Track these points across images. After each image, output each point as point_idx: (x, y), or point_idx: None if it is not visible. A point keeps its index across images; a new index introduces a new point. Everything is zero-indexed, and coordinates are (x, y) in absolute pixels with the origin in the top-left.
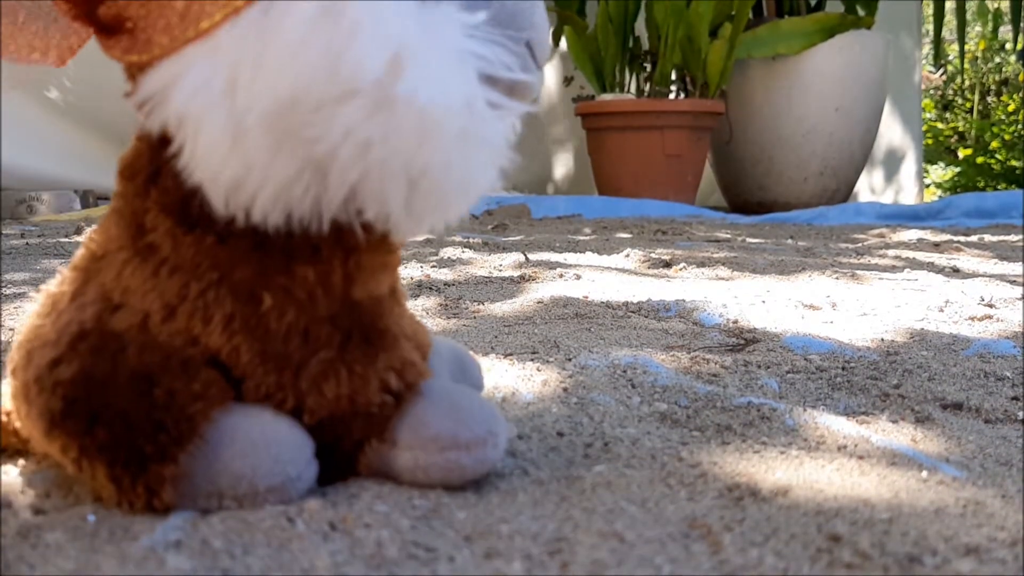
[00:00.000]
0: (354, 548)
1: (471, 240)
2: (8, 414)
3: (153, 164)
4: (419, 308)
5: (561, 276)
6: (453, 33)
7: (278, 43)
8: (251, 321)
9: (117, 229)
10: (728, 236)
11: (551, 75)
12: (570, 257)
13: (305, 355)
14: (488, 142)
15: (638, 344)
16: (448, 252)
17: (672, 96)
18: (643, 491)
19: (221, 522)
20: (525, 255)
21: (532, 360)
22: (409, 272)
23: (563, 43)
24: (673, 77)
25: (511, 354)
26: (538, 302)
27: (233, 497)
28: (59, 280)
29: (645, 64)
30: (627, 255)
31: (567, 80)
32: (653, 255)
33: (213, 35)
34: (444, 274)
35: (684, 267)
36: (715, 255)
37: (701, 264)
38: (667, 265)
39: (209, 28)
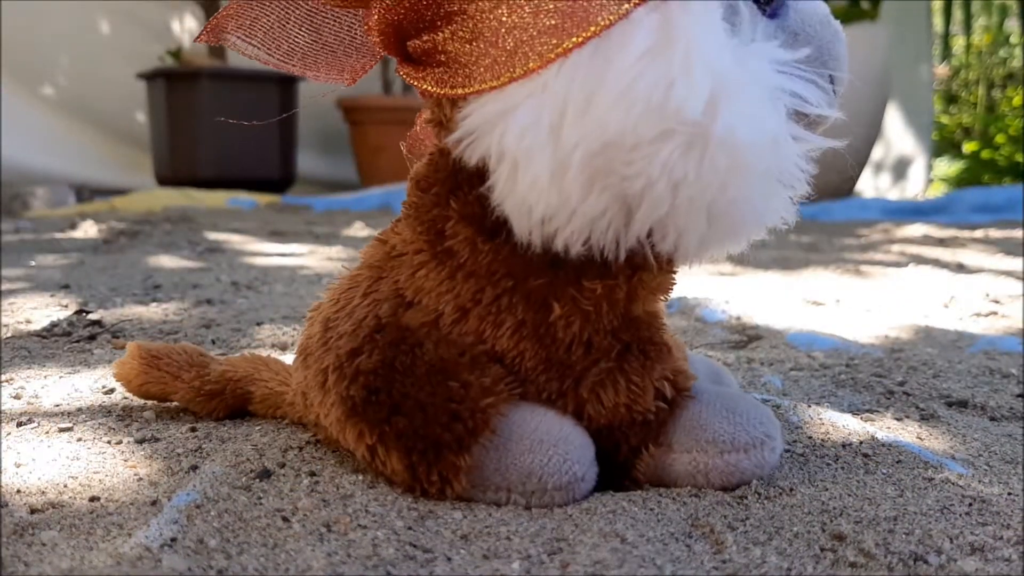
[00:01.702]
0: (350, 549)
1: None
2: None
3: (453, 178)
4: None
5: None
6: (768, 70)
7: (608, 82)
8: (540, 328)
9: (413, 233)
10: None
11: None
12: None
13: (587, 365)
14: (788, 177)
15: None
16: None
17: None
18: (644, 490)
19: (217, 520)
20: None
21: None
22: None
23: None
24: None
25: None
26: None
27: (521, 493)
28: (348, 276)
29: None
30: None
31: None
32: None
33: (540, 74)
34: None
35: None
36: None
37: None
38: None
39: (537, 68)
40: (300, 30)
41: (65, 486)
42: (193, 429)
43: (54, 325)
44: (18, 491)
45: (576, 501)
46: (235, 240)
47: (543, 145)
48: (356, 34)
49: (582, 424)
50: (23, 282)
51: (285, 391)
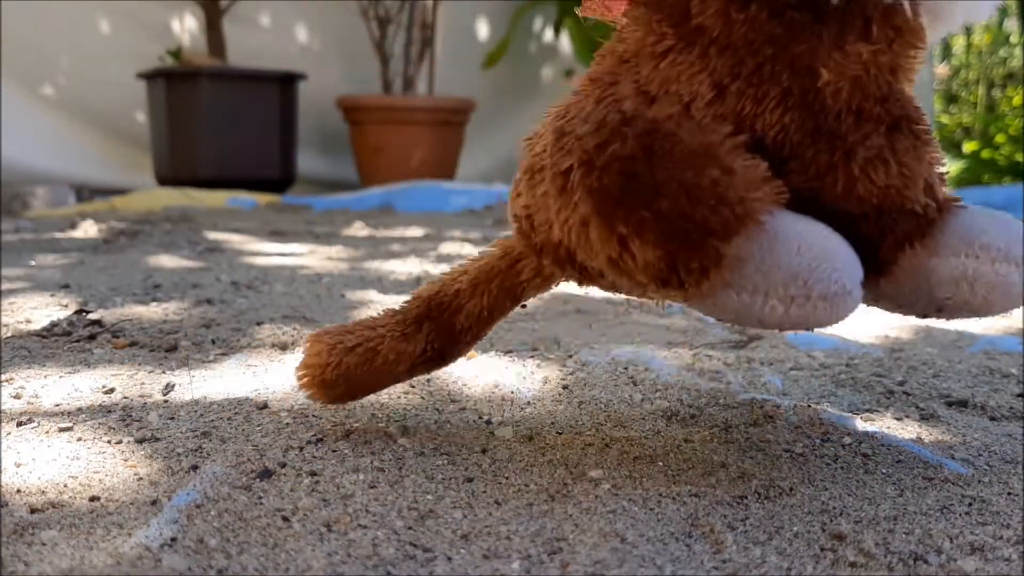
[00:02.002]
0: (350, 548)
1: (471, 235)
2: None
3: None
4: None
5: None
6: None
7: None
8: (808, 96)
9: (648, 28)
10: None
11: (551, 68)
12: None
13: (858, 137)
14: None
15: (640, 340)
16: (447, 247)
17: None
18: (644, 490)
19: (217, 519)
20: None
21: (532, 357)
22: (408, 267)
23: (564, 35)
24: None
25: (511, 351)
26: (538, 298)
27: (780, 298)
28: (570, 96)
29: None
30: None
31: (568, 73)
32: None
33: None
34: (443, 269)
35: None
36: None
37: None
38: None
39: None
40: None
41: (65, 486)
42: (193, 429)
43: (54, 325)
44: (18, 491)
45: (839, 319)
46: (235, 240)
47: None
48: None
49: (851, 204)
50: (23, 282)
51: (490, 257)
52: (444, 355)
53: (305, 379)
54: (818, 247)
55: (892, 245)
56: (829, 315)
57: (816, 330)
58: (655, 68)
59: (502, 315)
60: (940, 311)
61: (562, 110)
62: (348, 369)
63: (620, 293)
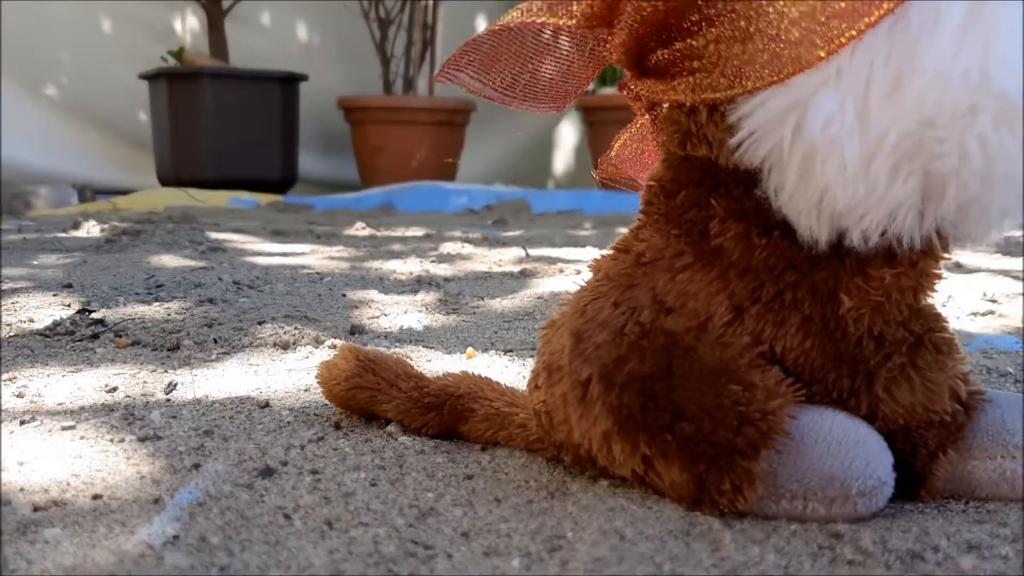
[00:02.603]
0: (351, 546)
1: (471, 235)
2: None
3: (711, 178)
4: (419, 303)
5: (561, 271)
6: None
7: (922, 59)
8: (829, 323)
9: (665, 238)
10: None
11: None
12: (570, 252)
13: (879, 360)
14: None
15: None
16: (448, 247)
17: None
18: (643, 488)
19: (219, 517)
20: (525, 250)
21: (532, 356)
22: (408, 267)
23: None
24: None
25: (511, 350)
26: (538, 297)
27: (820, 500)
28: (586, 289)
29: None
30: None
31: None
32: None
33: (830, 61)
34: (444, 269)
35: None
36: None
37: None
38: None
39: (829, 55)
40: (525, 65)
41: (68, 484)
42: (195, 427)
43: (57, 324)
44: (21, 489)
45: (878, 509)
46: (237, 239)
47: (851, 132)
48: (574, 62)
49: (878, 425)
50: (26, 281)
51: (514, 412)
52: (435, 432)
53: (320, 379)
54: (847, 443)
55: (925, 458)
56: (869, 508)
57: None
58: (672, 280)
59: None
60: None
61: (580, 307)
62: (353, 397)
63: None
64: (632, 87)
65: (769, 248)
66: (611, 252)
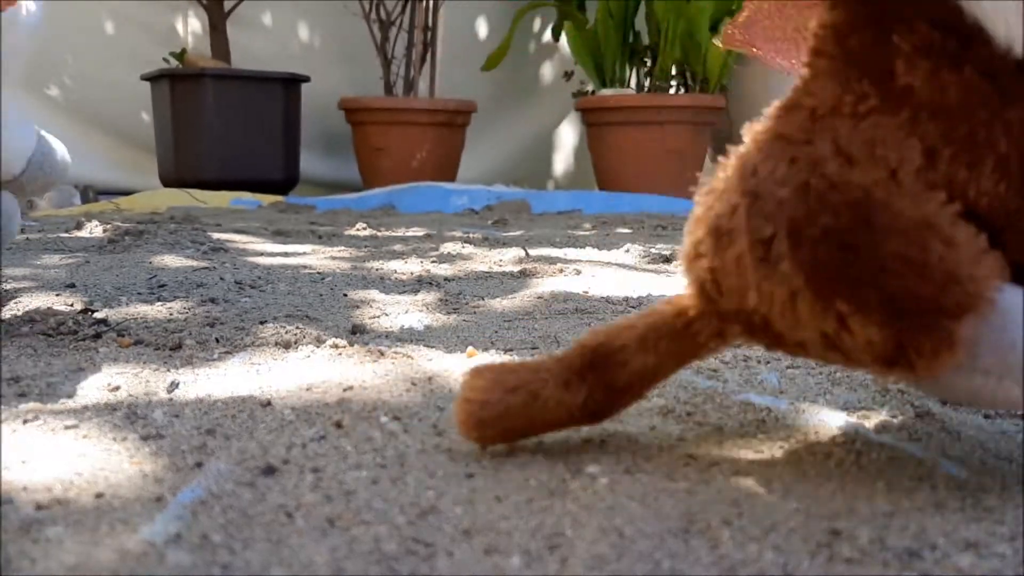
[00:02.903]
0: (352, 544)
1: (471, 235)
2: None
3: (890, 15)
4: (420, 303)
5: (561, 271)
6: None
7: None
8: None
9: (842, 86)
10: None
11: (551, 69)
12: (570, 252)
13: None
14: None
15: None
16: (448, 247)
17: (672, 91)
18: (642, 486)
19: (221, 516)
20: (525, 250)
21: (532, 355)
22: (409, 267)
23: (563, 38)
24: (673, 72)
25: (511, 349)
26: (538, 297)
27: (1017, 379)
28: (750, 151)
29: (645, 59)
30: (627, 250)
31: (567, 75)
32: (653, 250)
33: None
34: (444, 269)
35: None
36: None
37: None
38: (667, 260)
39: None
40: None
41: (71, 483)
42: (198, 426)
43: (60, 323)
44: (24, 488)
45: None
46: (239, 240)
47: None
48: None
49: None
50: (29, 281)
51: (661, 316)
52: (604, 410)
53: (463, 416)
54: None
55: None
56: None
57: None
58: (855, 128)
59: (667, 376)
60: None
61: (747, 167)
62: (507, 409)
63: (815, 360)
64: None
65: (960, 85)
66: (774, 111)
